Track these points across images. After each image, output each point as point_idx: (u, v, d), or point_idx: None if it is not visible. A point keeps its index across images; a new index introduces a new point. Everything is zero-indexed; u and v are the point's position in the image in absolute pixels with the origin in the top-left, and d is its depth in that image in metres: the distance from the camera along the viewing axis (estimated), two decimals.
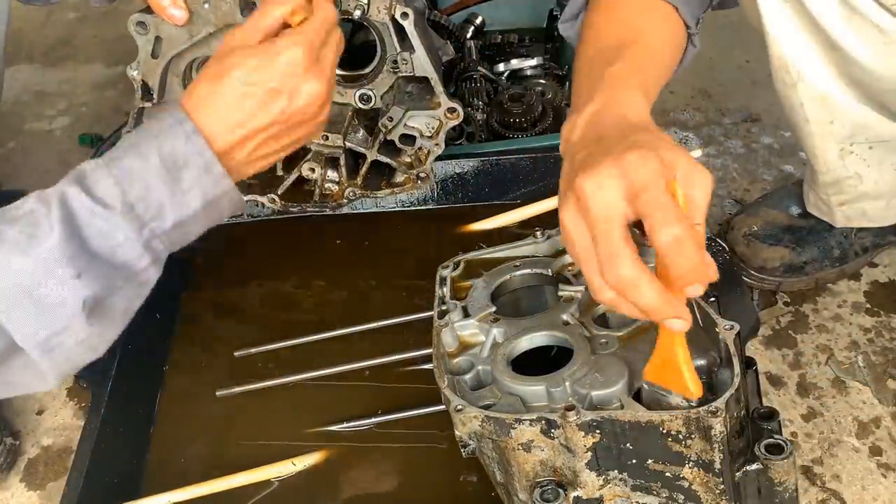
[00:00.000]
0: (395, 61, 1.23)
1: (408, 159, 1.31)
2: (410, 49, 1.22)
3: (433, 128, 1.28)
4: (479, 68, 1.60)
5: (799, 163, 1.60)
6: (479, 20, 1.72)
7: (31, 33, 2.14)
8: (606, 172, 0.75)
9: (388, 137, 1.28)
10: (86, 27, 2.16)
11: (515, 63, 1.65)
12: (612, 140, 0.80)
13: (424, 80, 1.25)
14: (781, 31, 1.14)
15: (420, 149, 1.30)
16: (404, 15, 1.18)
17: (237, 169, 0.90)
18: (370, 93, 1.27)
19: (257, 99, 0.87)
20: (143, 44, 1.19)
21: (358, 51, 1.30)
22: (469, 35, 1.69)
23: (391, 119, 1.26)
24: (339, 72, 1.28)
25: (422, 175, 1.32)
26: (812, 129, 1.23)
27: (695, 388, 0.78)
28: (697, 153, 0.93)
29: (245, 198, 1.28)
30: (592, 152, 0.79)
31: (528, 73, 1.66)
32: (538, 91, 1.55)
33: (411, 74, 1.24)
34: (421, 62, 1.23)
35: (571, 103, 0.94)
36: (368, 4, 1.17)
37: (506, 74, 1.65)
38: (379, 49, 1.25)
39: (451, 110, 1.26)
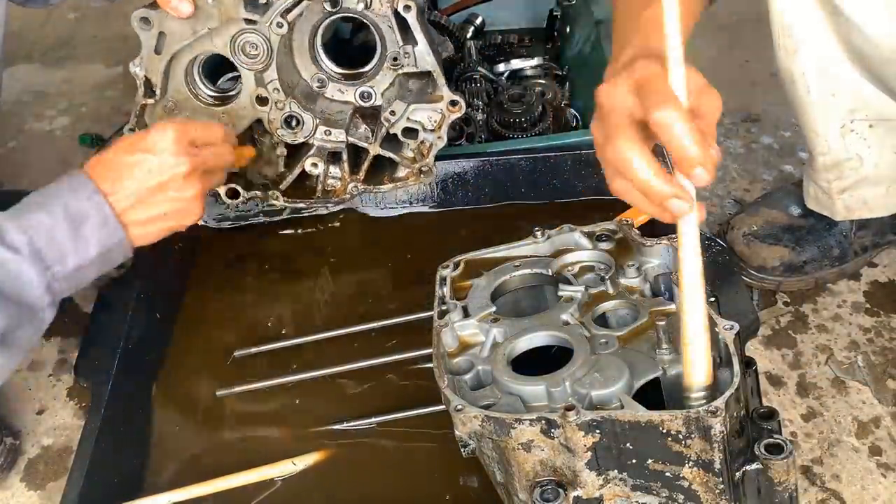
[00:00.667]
0: (396, 58, 1.23)
1: (410, 153, 1.31)
2: (412, 42, 1.22)
3: (435, 121, 1.28)
4: (479, 68, 1.61)
5: (799, 163, 1.60)
6: (479, 20, 1.72)
7: (31, 33, 2.14)
8: (618, 78, 0.81)
9: (391, 131, 1.28)
10: (86, 27, 2.17)
11: (515, 63, 1.66)
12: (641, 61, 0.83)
13: (425, 76, 1.26)
14: None
15: (423, 142, 1.30)
16: (406, 7, 1.18)
17: (134, 226, 1.05)
18: (370, 90, 1.27)
19: (135, 165, 1.04)
20: (146, 39, 1.19)
21: (358, 51, 1.30)
22: (469, 35, 1.69)
23: (393, 113, 1.26)
24: (339, 70, 1.28)
25: (424, 169, 1.31)
26: (813, 103, 1.22)
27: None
28: None
29: (247, 195, 1.29)
30: (616, 69, 0.84)
31: (528, 73, 1.66)
32: (538, 91, 1.56)
33: (413, 70, 1.24)
34: (423, 55, 1.23)
35: (612, 47, 0.97)
36: None
37: (506, 74, 1.65)
38: (379, 47, 1.25)
39: (454, 103, 1.26)
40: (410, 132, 1.29)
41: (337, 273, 1.37)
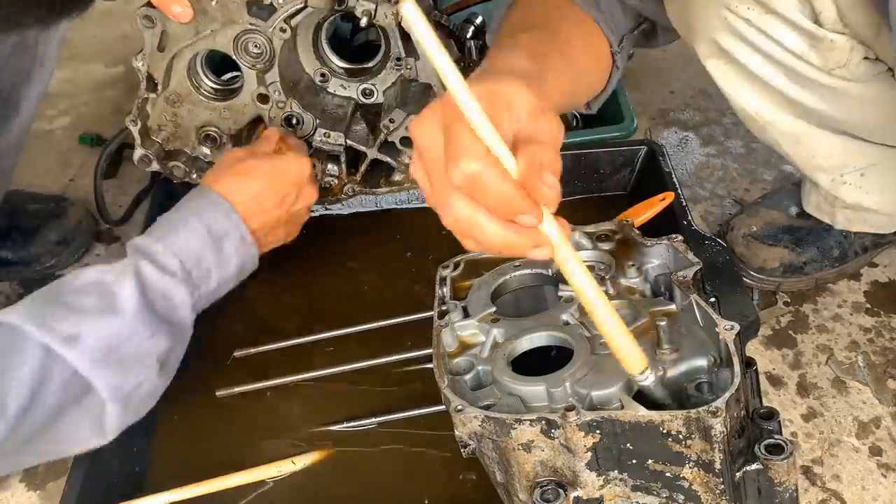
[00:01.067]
0: (399, 58, 1.23)
1: (407, 160, 1.31)
2: (415, 55, 1.22)
3: None
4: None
5: None
6: (479, 20, 1.71)
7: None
8: (428, 112, 0.73)
9: (389, 139, 1.28)
10: (86, 27, 2.16)
11: None
12: None
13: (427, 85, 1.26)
14: (733, 90, 1.16)
15: None
16: (412, 11, 1.18)
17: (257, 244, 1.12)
18: (373, 87, 1.27)
19: (275, 195, 1.12)
20: (149, 37, 1.19)
21: (359, 50, 1.30)
22: (469, 35, 1.69)
23: (392, 121, 1.26)
24: (342, 64, 1.28)
25: None
26: (799, 165, 1.25)
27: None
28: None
29: None
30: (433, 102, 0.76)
31: None
32: None
33: (414, 78, 1.24)
34: (425, 69, 1.23)
35: None
36: (375, 10, 1.17)
37: None
38: (383, 44, 1.25)
39: None
40: (408, 140, 1.29)
41: (337, 272, 1.37)
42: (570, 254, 0.74)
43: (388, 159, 1.30)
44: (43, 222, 1.51)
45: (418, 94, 1.27)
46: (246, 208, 1.09)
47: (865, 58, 1.09)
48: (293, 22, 1.18)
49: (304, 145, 1.25)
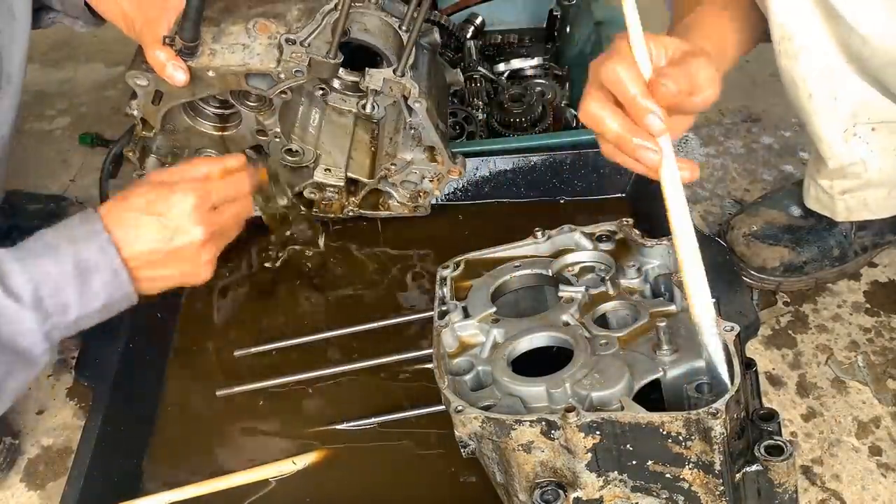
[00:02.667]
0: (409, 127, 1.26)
1: (407, 193, 1.33)
2: (421, 127, 1.23)
3: (435, 174, 1.29)
4: (480, 68, 1.60)
5: (799, 163, 1.60)
6: (479, 20, 1.72)
7: (31, 33, 2.14)
8: (613, 44, 0.88)
9: (391, 180, 1.29)
10: None
11: (515, 63, 1.65)
12: None
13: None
14: (783, 1, 1.14)
15: (420, 190, 1.31)
16: (418, 103, 1.20)
17: (143, 278, 1.02)
18: (374, 103, 1.28)
19: (156, 229, 1.01)
20: (142, 94, 1.16)
21: (359, 47, 1.30)
22: (469, 35, 1.69)
23: (395, 165, 1.27)
24: (344, 77, 1.28)
25: (419, 207, 1.33)
26: (816, 107, 1.22)
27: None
28: None
29: None
30: None
31: (528, 73, 1.66)
32: (538, 91, 1.56)
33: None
34: (429, 136, 1.24)
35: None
36: (381, 87, 1.20)
37: (506, 74, 1.65)
38: (384, 63, 1.25)
39: (454, 171, 1.28)
40: (408, 183, 1.30)
41: (337, 272, 1.37)
42: (674, 171, 0.85)
43: (389, 190, 1.31)
44: (43, 222, 1.50)
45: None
46: (127, 242, 0.99)
47: None
48: (294, 84, 1.17)
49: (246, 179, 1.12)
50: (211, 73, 1.13)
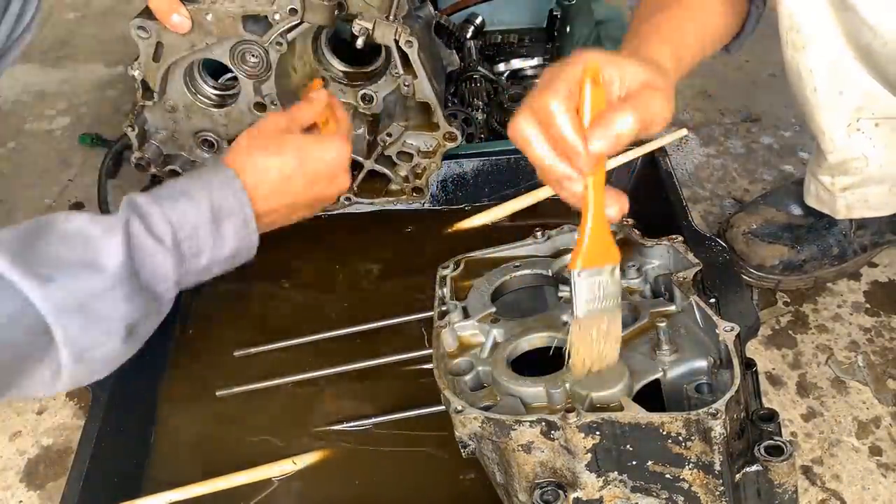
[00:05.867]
0: (399, 74, 1.24)
1: (404, 172, 1.32)
2: (413, 74, 1.22)
3: (431, 146, 1.28)
4: (480, 68, 1.60)
5: (799, 162, 1.60)
6: (479, 20, 1.72)
7: (31, 33, 2.14)
8: (556, 63, 0.86)
9: (386, 153, 1.28)
10: (86, 27, 2.16)
11: (515, 63, 1.66)
12: None
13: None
14: None
15: (417, 165, 1.31)
16: (409, 43, 1.19)
17: (261, 227, 1.02)
18: (372, 93, 1.27)
19: (306, 179, 1.03)
20: (144, 47, 1.19)
21: (359, 50, 1.30)
22: (469, 35, 1.69)
23: (390, 135, 1.26)
24: (342, 68, 1.29)
25: (418, 187, 1.32)
26: (820, 101, 1.22)
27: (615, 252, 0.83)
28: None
29: None
30: None
31: (529, 73, 1.66)
32: None
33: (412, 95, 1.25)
34: (422, 89, 1.24)
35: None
36: (373, 29, 1.17)
37: (506, 74, 1.65)
38: (384, 51, 1.25)
39: (450, 136, 1.27)
40: (405, 155, 1.29)
41: (336, 272, 1.37)
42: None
43: (385, 171, 1.31)
44: None
45: (417, 105, 1.28)
46: (263, 189, 1.01)
47: None
48: (290, 35, 1.18)
49: (348, 120, 1.15)
50: (209, 17, 1.15)
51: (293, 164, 1.02)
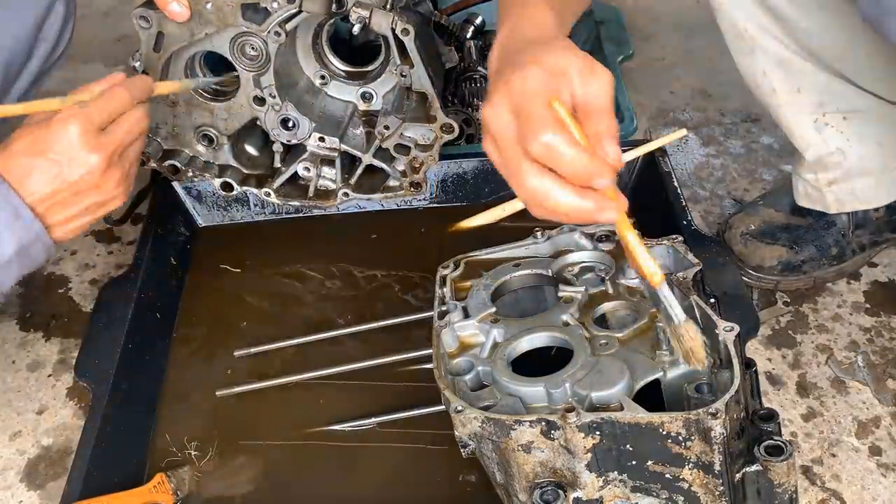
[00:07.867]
0: (396, 65, 1.23)
1: (402, 167, 1.32)
2: (410, 64, 1.22)
3: (429, 139, 1.28)
4: (480, 68, 1.60)
5: None
6: (479, 20, 1.71)
7: None
8: (495, 97, 0.81)
9: (384, 146, 1.28)
10: (86, 27, 2.16)
11: None
12: (514, 61, 0.83)
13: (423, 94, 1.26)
14: (726, 2, 1.14)
15: (415, 158, 1.30)
16: (405, 31, 1.18)
17: (48, 228, 0.96)
18: (372, 91, 1.27)
19: (42, 168, 0.94)
20: (145, 38, 1.19)
21: (359, 50, 1.30)
22: (469, 35, 1.68)
23: (387, 128, 1.26)
24: (343, 67, 1.28)
25: (416, 182, 1.32)
26: (781, 101, 1.22)
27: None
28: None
29: (241, 189, 1.30)
30: (495, 80, 0.85)
31: None
32: None
33: (410, 86, 1.24)
34: (420, 78, 1.23)
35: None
36: (370, 17, 1.17)
37: None
38: (383, 49, 1.25)
39: (447, 127, 1.27)
40: (403, 148, 1.29)
41: (337, 272, 1.37)
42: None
43: (383, 165, 1.30)
44: None
45: (416, 101, 1.27)
46: (24, 188, 0.93)
47: None
48: (288, 26, 1.18)
49: (141, 89, 1.04)
50: (209, 6, 1.15)
51: (33, 158, 0.94)
